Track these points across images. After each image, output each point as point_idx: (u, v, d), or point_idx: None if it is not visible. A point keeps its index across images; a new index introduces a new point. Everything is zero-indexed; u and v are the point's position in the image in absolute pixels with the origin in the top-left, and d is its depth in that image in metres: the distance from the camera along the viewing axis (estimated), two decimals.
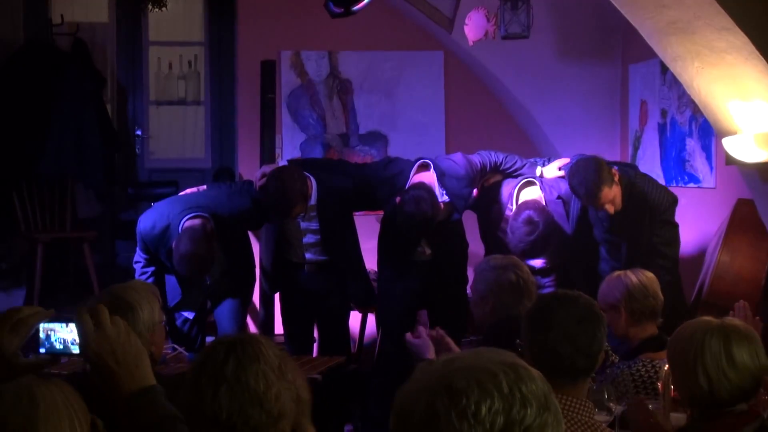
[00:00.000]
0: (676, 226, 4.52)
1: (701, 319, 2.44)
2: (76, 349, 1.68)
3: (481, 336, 3.87)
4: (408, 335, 3.43)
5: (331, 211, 4.79)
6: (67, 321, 1.71)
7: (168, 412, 1.64)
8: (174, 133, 7.80)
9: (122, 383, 1.62)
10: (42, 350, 1.70)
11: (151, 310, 2.91)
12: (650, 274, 3.45)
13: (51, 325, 1.70)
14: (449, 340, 3.26)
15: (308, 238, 4.84)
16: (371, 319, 5.68)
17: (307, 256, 4.86)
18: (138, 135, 7.48)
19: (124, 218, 7.00)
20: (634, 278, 3.40)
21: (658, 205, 4.45)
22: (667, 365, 2.78)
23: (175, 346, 4.42)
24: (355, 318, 5.89)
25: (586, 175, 4.24)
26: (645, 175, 4.67)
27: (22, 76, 6.45)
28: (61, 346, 1.72)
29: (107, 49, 7.34)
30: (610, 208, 4.28)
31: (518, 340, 2.71)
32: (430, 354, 3.34)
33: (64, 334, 1.71)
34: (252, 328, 6.06)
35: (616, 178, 4.28)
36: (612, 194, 4.27)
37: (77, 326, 1.66)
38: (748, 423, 2.28)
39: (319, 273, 4.89)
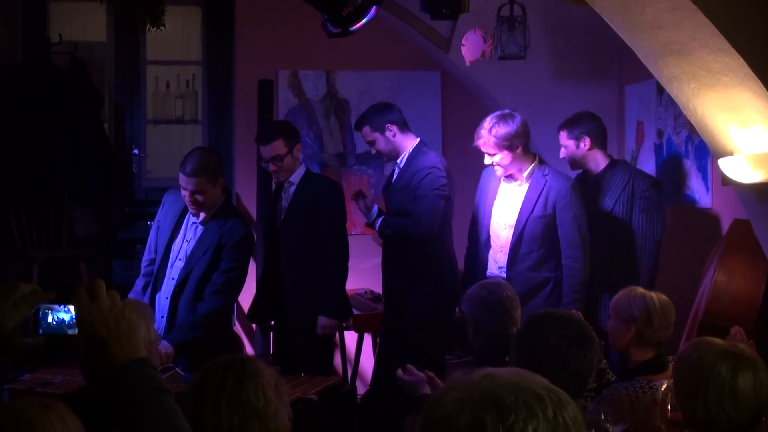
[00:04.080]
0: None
1: (709, 340, 2.42)
2: (73, 331, 1.69)
3: (471, 355, 3.88)
4: (399, 372, 3.46)
5: (306, 199, 4.88)
6: (65, 303, 1.74)
7: (158, 383, 1.63)
8: (171, 151, 7.79)
9: (114, 354, 1.60)
10: (40, 330, 1.73)
11: (146, 329, 2.92)
12: (668, 301, 3.43)
13: (50, 307, 1.73)
14: (437, 380, 3.28)
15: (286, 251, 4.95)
16: (367, 339, 5.69)
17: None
18: (135, 154, 7.49)
19: (121, 237, 7.00)
20: (657, 302, 3.37)
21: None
22: (665, 385, 2.79)
23: (172, 365, 4.41)
24: (351, 339, 5.91)
25: None
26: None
27: (19, 95, 6.46)
28: (59, 327, 1.75)
29: (105, 68, 7.36)
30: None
31: (507, 358, 2.71)
32: (425, 389, 3.36)
33: (62, 316, 1.75)
34: (249, 349, 6.06)
35: None
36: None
37: (74, 299, 1.67)
38: None
39: (299, 290, 4.93)
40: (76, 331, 1.69)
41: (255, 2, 6.31)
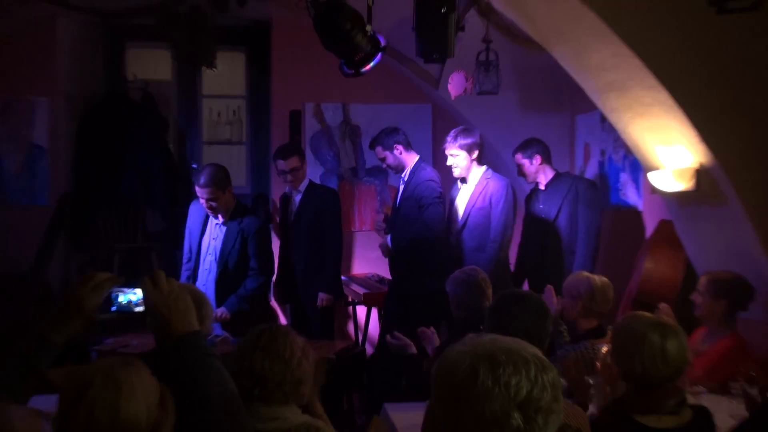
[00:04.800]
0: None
1: (641, 314, 2.44)
2: (139, 309, 1.72)
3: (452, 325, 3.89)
4: (388, 337, 3.47)
5: (311, 204, 4.98)
6: (134, 286, 1.75)
7: (208, 350, 1.67)
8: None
9: (173, 328, 1.64)
10: (113, 309, 1.75)
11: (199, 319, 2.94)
12: (608, 282, 3.45)
13: (121, 289, 1.74)
14: (427, 330, 3.29)
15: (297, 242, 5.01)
16: (374, 312, 5.70)
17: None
18: (194, 168, 7.50)
19: (183, 233, 7.04)
20: (599, 283, 3.40)
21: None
22: (605, 348, 2.80)
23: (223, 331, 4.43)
24: (361, 312, 5.93)
25: None
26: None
27: (102, 122, 6.49)
28: (128, 306, 1.76)
29: (170, 101, 7.38)
30: None
31: (482, 327, 2.72)
32: (412, 350, 3.38)
33: (130, 297, 1.76)
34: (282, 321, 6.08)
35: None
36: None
37: (141, 287, 1.69)
38: (672, 397, 2.30)
39: (306, 274, 4.98)
40: (143, 309, 1.72)
41: (286, 48, 6.32)
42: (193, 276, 4.70)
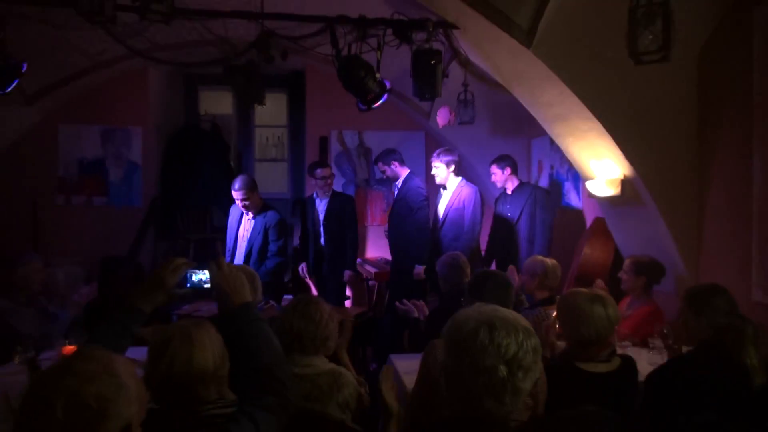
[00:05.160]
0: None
1: (582, 290, 2.39)
2: (207, 285, 1.71)
3: (439, 297, 3.87)
4: (397, 303, 3.46)
5: (336, 206, 4.97)
6: (203, 268, 1.74)
7: (258, 316, 1.65)
8: (269, 178, 7.83)
9: (232, 300, 1.63)
10: (188, 285, 1.74)
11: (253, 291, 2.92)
12: (557, 263, 3.44)
13: (193, 270, 1.73)
14: (417, 302, 3.28)
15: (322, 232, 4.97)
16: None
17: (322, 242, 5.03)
18: None
19: None
20: (550, 264, 3.39)
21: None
22: (554, 313, 2.77)
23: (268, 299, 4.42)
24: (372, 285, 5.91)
25: None
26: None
27: (181, 146, 6.51)
28: (199, 283, 1.75)
29: (231, 129, 7.39)
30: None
31: (462, 299, 2.70)
32: (415, 314, 3.36)
33: (201, 276, 1.74)
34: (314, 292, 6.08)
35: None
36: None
37: (208, 269, 1.67)
38: (605, 349, 2.28)
39: (332, 259, 4.96)
40: (210, 286, 1.70)
41: (317, 90, 6.31)
42: (232, 259, 4.68)
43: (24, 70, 3.68)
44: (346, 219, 4.99)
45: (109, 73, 5.80)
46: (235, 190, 4.43)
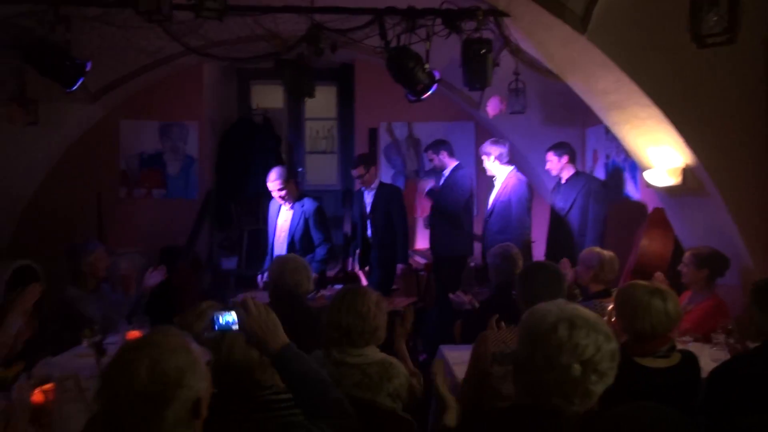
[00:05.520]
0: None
1: (640, 282, 2.30)
2: (236, 327, 1.59)
3: (489, 289, 3.83)
4: (450, 295, 3.44)
5: (383, 198, 4.97)
6: (229, 309, 1.65)
7: (299, 355, 1.58)
8: (319, 170, 7.93)
9: (269, 344, 1.56)
10: (215, 328, 1.64)
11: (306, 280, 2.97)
12: (614, 255, 3.34)
13: (220, 312, 1.60)
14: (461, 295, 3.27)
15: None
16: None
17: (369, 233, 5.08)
18: (300, 171, 7.63)
19: None
20: (606, 256, 3.31)
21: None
22: (610, 306, 2.70)
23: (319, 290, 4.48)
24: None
25: None
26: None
27: (235, 139, 6.66)
28: (227, 325, 1.63)
29: (282, 123, 7.52)
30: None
31: (513, 291, 2.66)
32: (467, 305, 3.34)
33: (228, 318, 1.63)
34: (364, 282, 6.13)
35: None
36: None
37: (236, 312, 1.58)
38: (664, 344, 2.20)
39: (380, 250, 4.99)
40: (238, 328, 1.58)
41: (366, 82, 6.32)
42: (272, 248, 4.76)
43: (88, 68, 3.85)
44: (394, 211, 4.98)
45: (166, 69, 5.99)
46: (270, 182, 4.53)
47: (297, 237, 4.57)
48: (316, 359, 2.26)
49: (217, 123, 6.70)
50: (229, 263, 6.47)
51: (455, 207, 4.84)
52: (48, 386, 2.10)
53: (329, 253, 4.61)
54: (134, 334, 2.82)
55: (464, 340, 3.11)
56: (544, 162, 4.88)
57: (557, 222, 4.80)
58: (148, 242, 6.07)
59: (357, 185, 5.37)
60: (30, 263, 5.29)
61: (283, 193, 4.55)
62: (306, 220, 4.55)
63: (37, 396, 2.05)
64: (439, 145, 5.02)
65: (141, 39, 5.02)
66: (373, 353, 2.27)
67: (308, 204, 4.59)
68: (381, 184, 5.15)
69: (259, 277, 4.76)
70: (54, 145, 5.98)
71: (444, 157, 4.97)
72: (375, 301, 2.28)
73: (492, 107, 4.72)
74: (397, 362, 2.28)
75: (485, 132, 6.14)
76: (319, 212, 4.58)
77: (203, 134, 6.37)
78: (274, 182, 4.51)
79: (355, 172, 5.10)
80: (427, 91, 3.77)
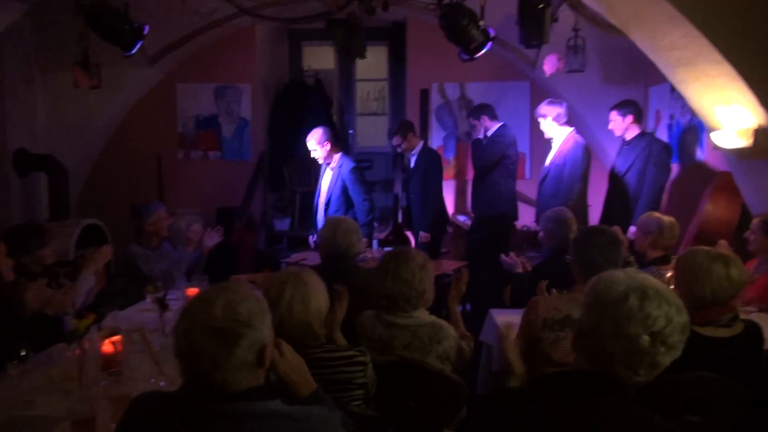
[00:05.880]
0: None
1: (702, 248, 2.20)
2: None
3: (540, 254, 3.76)
4: (502, 256, 3.40)
5: (423, 162, 4.92)
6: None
7: (326, 401, 1.55)
8: (370, 132, 7.91)
9: (300, 388, 1.55)
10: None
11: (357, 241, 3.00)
12: (674, 221, 3.19)
13: None
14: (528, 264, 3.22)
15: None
16: None
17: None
18: (350, 133, 7.64)
19: None
20: (666, 221, 3.17)
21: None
22: (669, 273, 2.61)
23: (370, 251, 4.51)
24: None
25: None
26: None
27: (287, 101, 6.69)
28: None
29: (333, 84, 7.50)
30: None
31: (567, 256, 2.60)
32: (519, 269, 3.29)
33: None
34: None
35: None
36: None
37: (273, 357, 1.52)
38: (726, 313, 2.12)
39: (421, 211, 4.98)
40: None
41: (418, 42, 6.20)
42: (316, 209, 4.82)
43: (146, 32, 3.93)
44: (428, 176, 4.93)
45: (220, 32, 6.05)
46: (307, 142, 4.58)
47: (333, 198, 4.61)
48: (368, 319, 2.31)
49: (270, 85, 6.75)
50: (282, 224, 6.61)
51: (485, 164, 4.80)
52: (116, 338, 2.23)
53: (370, 214, 4.64)
54: (193, 291, 2.95)
55: (514, 304, 3.09)
56: (604, 123, 4.66)
57: (614, 185, 4.61)
58: (205, 203, 6.27)
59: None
60: (97, 222, 5.58)
61: (317, 154, 4.57)
62: (343, 182, 4.57)
63: (107, 346, 2.19)
64: (478, 110, 4.95)
65: (195, 1, 5.07)
66: (423, 315, 2.28)
67: (344, 165, 4.59)
68: (424, 147, 5.06)
69: (311, 237, 4.84)
70: (116, 109, 6.19)
71: (485, 121, 4.88)
72: (420, 264, 2.27)
73: (549, 65, 4.54)
74: (446, 325, 2.29)
75: (541, 92, 5.94)
76: (354, 173, 4.55)
77: (256, 96, 6.44)
78: (308, 143, 4.58)
79: (393, 142, 5.07)
80: (481, 50, 3.66)
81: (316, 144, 4.56)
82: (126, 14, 3.80)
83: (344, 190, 4.55)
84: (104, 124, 6.23)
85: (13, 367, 2.01)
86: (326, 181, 4.69)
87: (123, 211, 5.22)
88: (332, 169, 4.64)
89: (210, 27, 5.86)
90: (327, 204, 4.62)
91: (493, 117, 4.88)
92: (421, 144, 5.04)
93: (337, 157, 4.62)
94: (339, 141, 6.95)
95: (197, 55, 6.26)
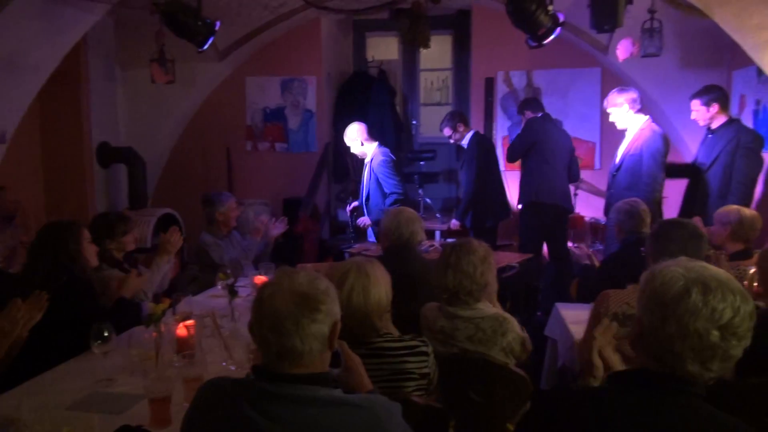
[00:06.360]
0: None
1: None
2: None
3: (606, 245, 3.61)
4: (571, 246, 3.29)
5: (470, 154, 4.85)
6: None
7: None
8: (434, 122, 7.84)
9: (361, 385, 1.56)
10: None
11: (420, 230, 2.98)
12: (756, 214, 2.99)
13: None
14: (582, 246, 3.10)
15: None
16: None
17: None
18: (414, 123, 7.61)
19: (406, 171, 7.16)
20: (747, 214, 2.98)
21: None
22: (753, 269, 2.45)
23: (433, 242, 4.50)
24: None
25: None
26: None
27: (351, 91, 6.74)
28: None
29: (397, 74, 7.48)
30: None
31: (642, 248, 2.48)
32: (586, 260, 3.19)
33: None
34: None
35: None
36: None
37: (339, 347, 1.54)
38: None
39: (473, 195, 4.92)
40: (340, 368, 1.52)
41: (483, 29, 6.08)
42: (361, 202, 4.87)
43: (217, 27, 4.06)
44: (467, 164, 4.86)
45: (287, 25, 6.16)
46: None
47: (370, 191, 4.62)
48: (430, 311, 2.30)
49: (335, 77, 6.82)
50: (345, 214, 6.65)
51: (511, 150, 4.80)
52: (190, 322, 2.33)
53: (396, 205, 4.62)
54: (261, 278, 3.04)
55: (581, 298, 2.99)
56: (683, 111, 4.36)
57: (697, 178, 4.29)
58: (272, 193, 6.43)
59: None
60: (171, 211, 5.86)
61: (354, 150, 4.62)
62: (376, 175, 4.57)
63: (181, 330, 2.30)
64: (522, 106, 4.94)
65: None
66: (486, 308, 2.25)
67: (376, 158, 4.59)
68: (471, 138, 4.97)
69: (348, 206, 4.93)
70: (189, 103, 6.45)
71: (528, 115, 4.86)
72: (481, 257, 2.23)
73: (623, 50, 4.33)
74: (510, 317, 2.25)
75: (613, 79, 5.70)
76: (384, 165, 4.54)
77: (321, 88, 6.53)
78: (345, 141, 4.62)
79: (444, 133, 5.00)
80: (550, 36, 3.54)
81: (350, 141, 4.59)
82: (199, 11, 3.94)
83: (379, 183, 4.56)
84: (178, 118, 6.50)
85: (97, 347, 2.15)
86: (365, 175, 4.73)
87: (195, 200, 5.44)
88: (366, 163, 4.65)
89: (277, 21, 5.98)
90: (367, 199, 4.65)
91: (537, 110, 4.86)
92: (471, 134, 4.95)
93: (371, 150, 4.62)
94: (402, 129, 6.96)
95: (265, 48, 6.41)
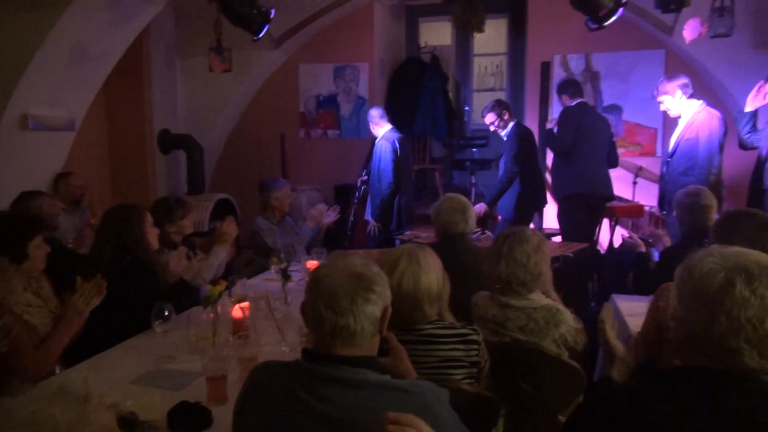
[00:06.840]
0: None
1: None
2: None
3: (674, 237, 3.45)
4: (623, 235, 3.18)
5: (510, 143, 4.75)
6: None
7: None
8: None
9: (409, 375, 1.57)
10: None
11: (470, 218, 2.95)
12: None
13: None
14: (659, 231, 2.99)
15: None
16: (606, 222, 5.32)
17: None
18: (466, 110, 7.51)
19: (458, 158, 7.13)
20: None
21: None
22: None
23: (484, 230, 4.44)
24: None
25: None
26: None
27: (404, 77, 6.71)
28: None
29: (450, 60, 7.39)
30: None
31: (706, 240, 2.36)
32: (641, 248, 3.07)
33: None
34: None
35: None
36: None
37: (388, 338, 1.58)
38: None
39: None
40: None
41: (540, 12, 5.91)
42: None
43: (272, 16, 4.11)
44: (505, 153, 4.77)
45: (340, 12, 6.18)
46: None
47: (372, 174, 4.70)
48: (482, 299, 2.27)
49: (387, 63, 6.79)
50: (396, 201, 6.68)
51: (557, 146, 4.65)
52: (245, 304, 2.40)
53: (389, 192, 4.64)
54: (313, 263, 3.08)
55: (637, 289, 2.89)
56: (760, 95, 4.11)
57: (762, 167, 4.06)
58: (324, 179, 6.51)
59: (528, 123, 5.14)
60: (228, 197, 6.02)
61: (488, 119, 4.70)
62: (378, 154, 4.63)
63: (236, 312, 2.37)
64: (560, 89, 4.79)
65: None
66: (539, 298, 2.21)
67: (378, 141, 4.62)
68: (516, 125, 4.84)
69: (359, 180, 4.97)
70: (244, 90, 6.59)
71: (566, 100, 4.71)
72: (535, 246, 2.18)
73: (690, 31, 4.10)
74: (563, 309, 2.20)
75: (677, 61, 5.43)
76: (383, 150, 4.56)
77: (373, 75, 6.53)
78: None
79: (486, 119, 4.88)
80: (612, 17, 3.41)
81: (371, 124, 4.69)
82: (253, 0, 3.99)
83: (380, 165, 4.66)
84: (234, 106, 6.65)
85: (158, 326, 2.24)
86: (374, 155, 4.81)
87: (251, 186, 5.57)
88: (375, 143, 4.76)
89: (331, 7, 6.00)
90: (372, 184, 4.75)
91: (575, 95, 4.69)
92: (512, 124, 4.85)
93: (381, 132, 4.69)
94: (454, 116, 6.88)
95: (318, 36, 6.46)
